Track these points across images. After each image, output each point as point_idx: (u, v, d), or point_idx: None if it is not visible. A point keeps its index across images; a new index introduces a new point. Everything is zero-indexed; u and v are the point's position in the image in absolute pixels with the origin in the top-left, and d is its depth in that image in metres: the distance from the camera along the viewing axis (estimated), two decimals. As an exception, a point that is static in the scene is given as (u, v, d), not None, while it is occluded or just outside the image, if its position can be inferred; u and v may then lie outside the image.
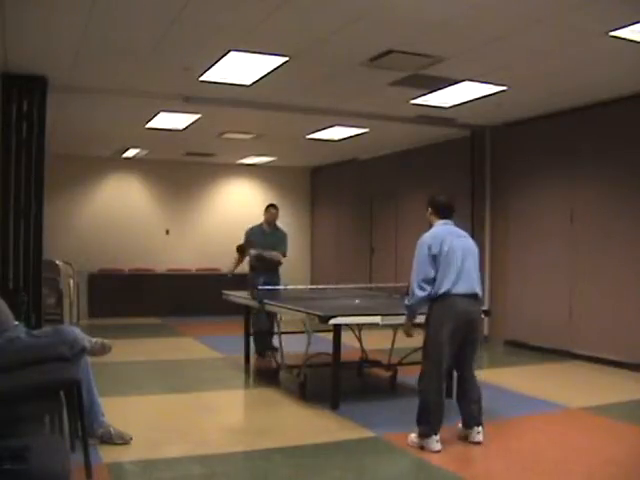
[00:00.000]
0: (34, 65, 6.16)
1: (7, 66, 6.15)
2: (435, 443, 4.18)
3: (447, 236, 4.36)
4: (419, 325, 4.56)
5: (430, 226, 4.55)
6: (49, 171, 6.73)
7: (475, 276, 4.39)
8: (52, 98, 6.62)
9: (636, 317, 6.85)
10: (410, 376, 6.23)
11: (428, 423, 4.22)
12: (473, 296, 4.34)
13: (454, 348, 4.29)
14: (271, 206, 7.92)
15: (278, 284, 7.54)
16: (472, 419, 4.38)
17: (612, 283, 7.18)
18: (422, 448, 4.21)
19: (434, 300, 4.29)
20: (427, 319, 4.39)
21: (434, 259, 4.26)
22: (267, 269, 7.61)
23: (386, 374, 6.16)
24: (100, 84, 6.83)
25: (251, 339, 7.31)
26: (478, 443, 4.33)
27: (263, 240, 7.70)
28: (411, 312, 4.43)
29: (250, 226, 7.92)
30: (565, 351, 7.66)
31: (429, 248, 4.28)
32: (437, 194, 4.65)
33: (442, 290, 4.24)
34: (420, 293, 4.26)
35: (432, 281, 4.26)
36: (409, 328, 4.55)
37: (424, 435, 4.22)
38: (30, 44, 5.57)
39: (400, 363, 6.07)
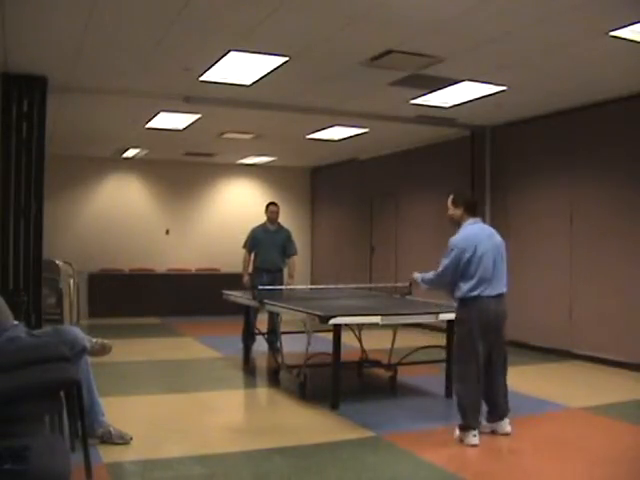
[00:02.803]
0: (34, 65, 6.16)
1: (7, 66, 6.16)
2: (472, 437, 4.30)
3: (482, 239, 4.44)
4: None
5: (458, 225, 4.56)
6: (49, 171, 6.74)
7: (504, 276, 4.54)
8: (52, 98, 6.62)
9: (636, 317, 6.85)
10: (410, 376, 6.25)
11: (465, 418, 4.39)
12: (501, 296, 4.49)
13: (486, 347, 4.42)
14: (271, 204, 7.96)
15: (281, 284, 7.55)
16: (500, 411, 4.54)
17: (612, 283, 7.17)
18: (461, 441, 4.34)
19: (466, 300, 4.40)
20: (459, 320, 4.53)
21: (468, 263, 4.35)
22: (272, 269, 7.61)
23: (386, 374, 6.16)
24: (100, 84, 6.83)
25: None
26: (507, 434, 4.47)
27: (269, 240, 7.73)
28: (422, 284, 4.70)
29: (253, 227, 7.95)
30: (565, 351, 7.65)
31: (462, 252, 4.37)
32: (461, 190, 4.71)
33: (476, 292, 4.37)
34: (436, 282, 4.53)
35: (451, 284, 4.43)
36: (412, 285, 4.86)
37: (462, 429, 4.36)
38: (30, 44, 5.57)
39: (400, 363, 6.07)
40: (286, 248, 7.85)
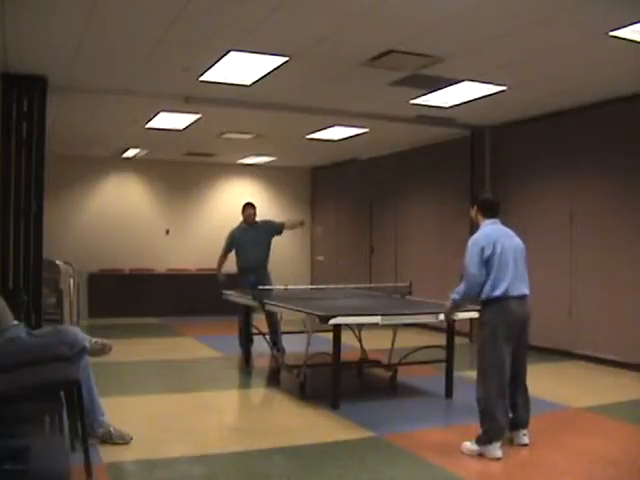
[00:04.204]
0: (34, 65, 6.16)
1: (7, 66, 6.15)
2: (496, 450, 4.09)
3: (500, 237, 4.32)
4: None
5: (477, 226, 4.52)
6: (49, 171, 6.73)
7: (526, 277, 4.36)
8: (52, 98, 6.62)
9: (636, 317, 6.85)
10: (410, 376, 6.26)
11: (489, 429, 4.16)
12: (524, 297, 4.30)
13: (510, 350, 4.23)
14: (248, 205, 7.79)
15: (269, 282, 7.50)
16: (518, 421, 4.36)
17: (612, 283, 7.17)
18: (481, 455, 4.13)
19: (488, 302, 4.24)
20: (482, 323, 4.36)
21: (487, 261, 4.21)
22: (256, 269, 7.56)
23: (386, 374, 6.16)
24: (100, 84, 6.83)
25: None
26: (525, 445, 4.31)
27: (247, 238, 7.65)
28: (455, 306, 4.48)
29: (232, 229, 7.87)
30: (565, 351, 7.66)
31: (482, 250, 4.22)
32: (481, 192, 4.64)
33: (497, 292, 4.19)
34: (470, 292, 4.27)
35: (481, 284, 4.23)
36: (451, 314, 4.69)
37: (484, 442, 4.14)
38: (30, 44, 5.56)
39: (400, 363, 6.07)
40: (277, 230, 7.74)
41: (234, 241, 7.73)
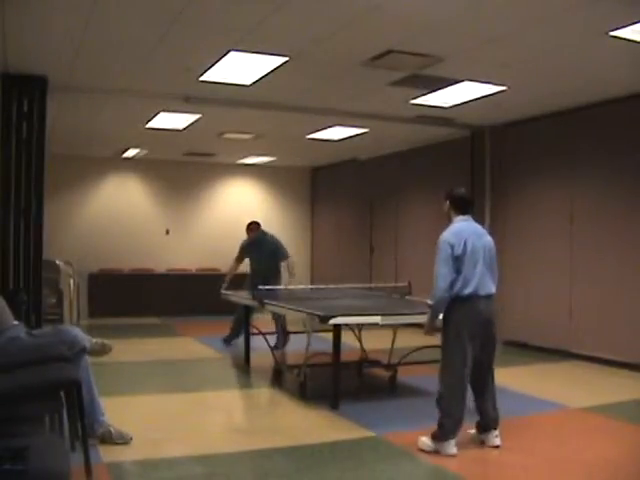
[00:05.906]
0: (34, 65, 6.16)
1: (7, 66, 6.15)
2: (451, 447, 4.10)
3: (470, 235, 4.23)
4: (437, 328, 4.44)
5: (449, 221, 4.40)
6: (49, 171, 6.73)
7: (493, 276, 4.30)
8: (52, 98, 6.62)
9: (636, 317, 6.85)
10: (410, 376, 6.26)
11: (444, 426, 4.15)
12: (491, 296, 4.25)
13: (476, 350, 4.20)
14: (252, 224, 8.30)
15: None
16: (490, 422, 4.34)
17: (612, 283, 7.17)
18: (437, 452, 4.13)
19: (456, 300, 4.16)
20: (447, 321, 4.25)
21: (457, 259, 4.13)
22: (265, 278, 7.63)
23: (386, 374, 6.16)
24: (100, 84, 6.83)
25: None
26: (496, 447, 4.27)
27: (260, 249, 8.08)
28: (435, 312, 4.28)
29: (244, 240, 8.29)
30: (565, 351, 7.66)
31: (452, 248, 4.14)
32: (455, 187, 4.48)
33: (466, 291, 4.13)
34: (444, 294, 4.15)
35: (452, 282, 4.14)
36: (431, 328, 4.39)
37: (440, 438, 4.14)
38: (30, 44, 5.57)
39: (400, 363, 6.07)
40: (278, 253, 8.13)
41: (245, 252, 8.22)
